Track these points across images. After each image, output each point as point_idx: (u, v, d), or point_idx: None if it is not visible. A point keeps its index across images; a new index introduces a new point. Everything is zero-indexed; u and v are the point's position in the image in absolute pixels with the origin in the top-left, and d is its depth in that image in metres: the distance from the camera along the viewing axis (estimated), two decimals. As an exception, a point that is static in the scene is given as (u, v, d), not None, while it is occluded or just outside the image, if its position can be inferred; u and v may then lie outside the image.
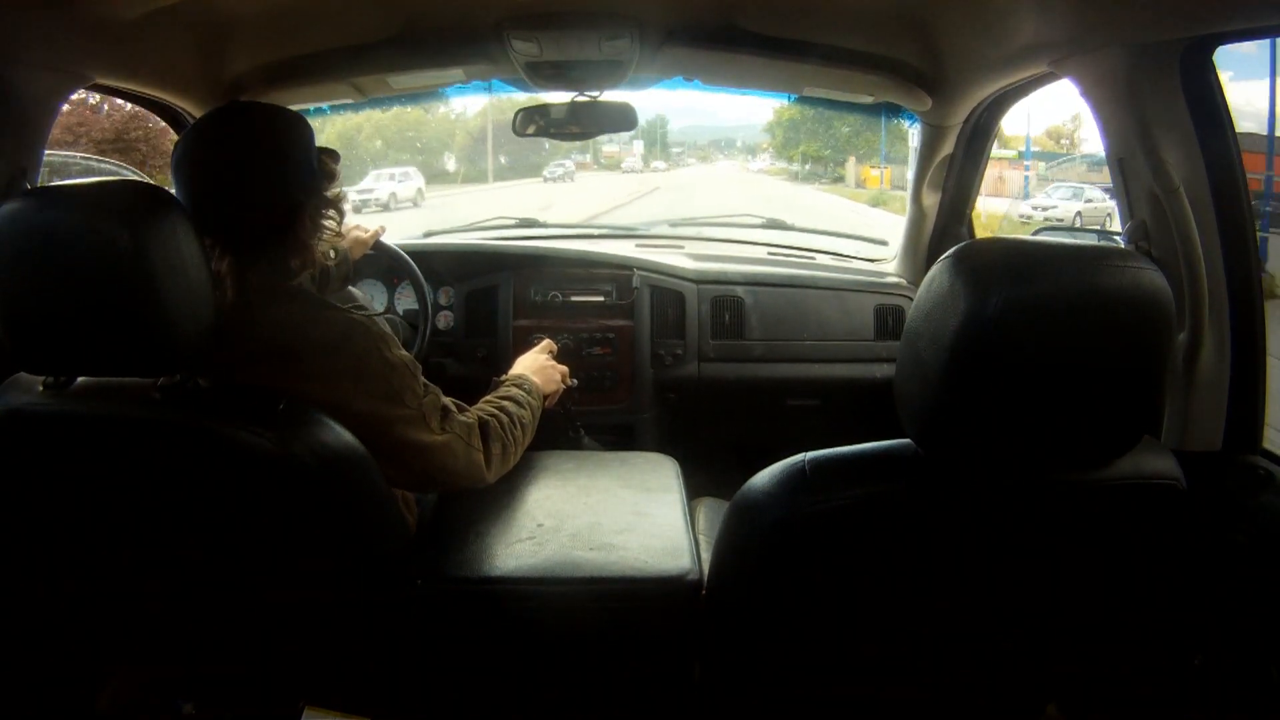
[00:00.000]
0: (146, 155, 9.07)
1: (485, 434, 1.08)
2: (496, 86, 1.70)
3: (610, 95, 1.62)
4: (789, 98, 1.84)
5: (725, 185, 17.42)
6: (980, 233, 1.87)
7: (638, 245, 2.07)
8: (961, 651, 0.91)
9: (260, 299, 0.95)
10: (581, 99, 1.61)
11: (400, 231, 1.97)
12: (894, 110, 1.68)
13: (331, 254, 1.40)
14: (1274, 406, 1.04)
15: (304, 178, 0.98)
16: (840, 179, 19.29)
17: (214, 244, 0.93)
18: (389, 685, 1.02)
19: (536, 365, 1.38)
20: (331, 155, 1.02)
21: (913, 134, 1.77)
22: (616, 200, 12.92)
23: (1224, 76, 0.97)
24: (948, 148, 1.67)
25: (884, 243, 2.15)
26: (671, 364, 1.80)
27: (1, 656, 1.02)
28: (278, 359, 0.92)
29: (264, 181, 0.95)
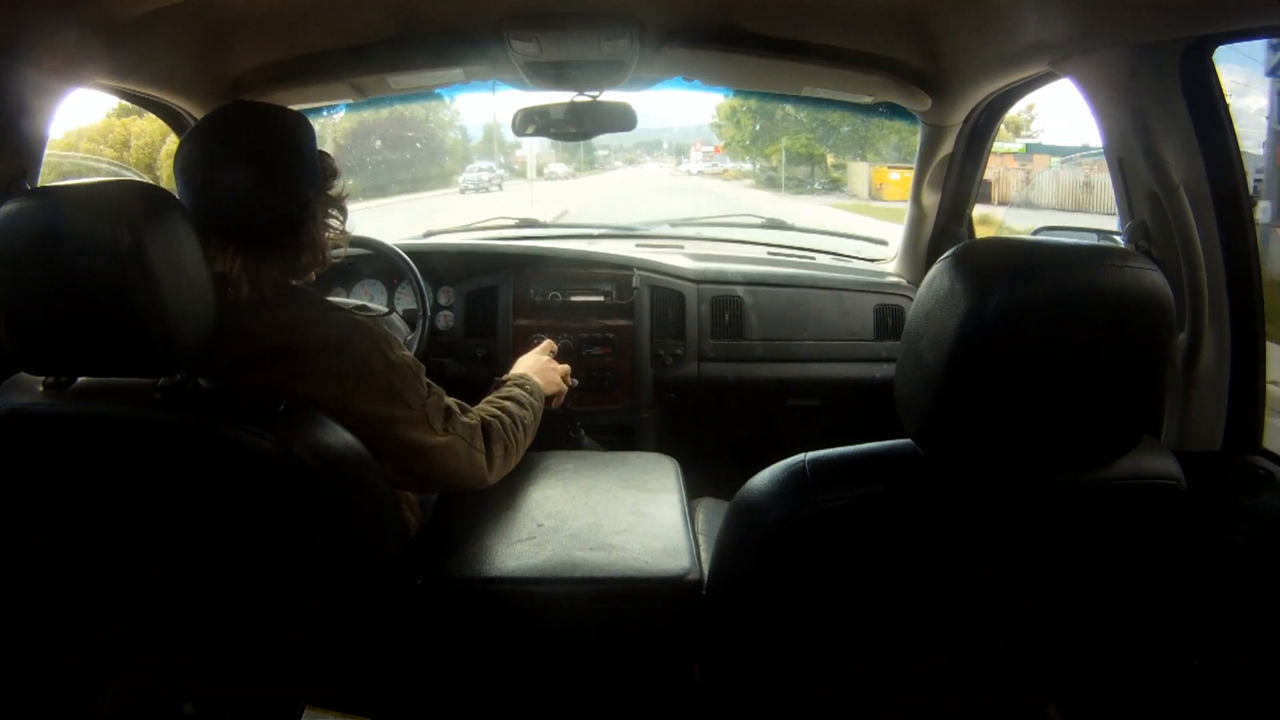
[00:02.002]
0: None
1: (487, 435, 1.08)
2: (496, 86, 1.70)
3: (610, 95, 1.62)
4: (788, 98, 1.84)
5: (674, 197, 12.94)
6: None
7: (637, 245, 2.07)
8: (962, 651, 0.91)
9: (269, 299, 0.95)
10: (581, 99, 1.61)
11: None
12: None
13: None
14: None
15: (311, 175, 0.98)
16: (837, 186, 15.30)
17: (224, 244, 0.93)
18: (389, 685, 1.02)
19: (538, 366, 1.38)
20: (328, 155, 1.03)
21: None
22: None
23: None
24: (947, 148, 1.67)
25: (884, 242, 2.15)
26: (671, 364, 1.80)
27: (2, 657, 1.02)
28: (279, 359, 0.92)
29: (274, 180, 0.96)
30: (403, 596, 0.98)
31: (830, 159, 15.93)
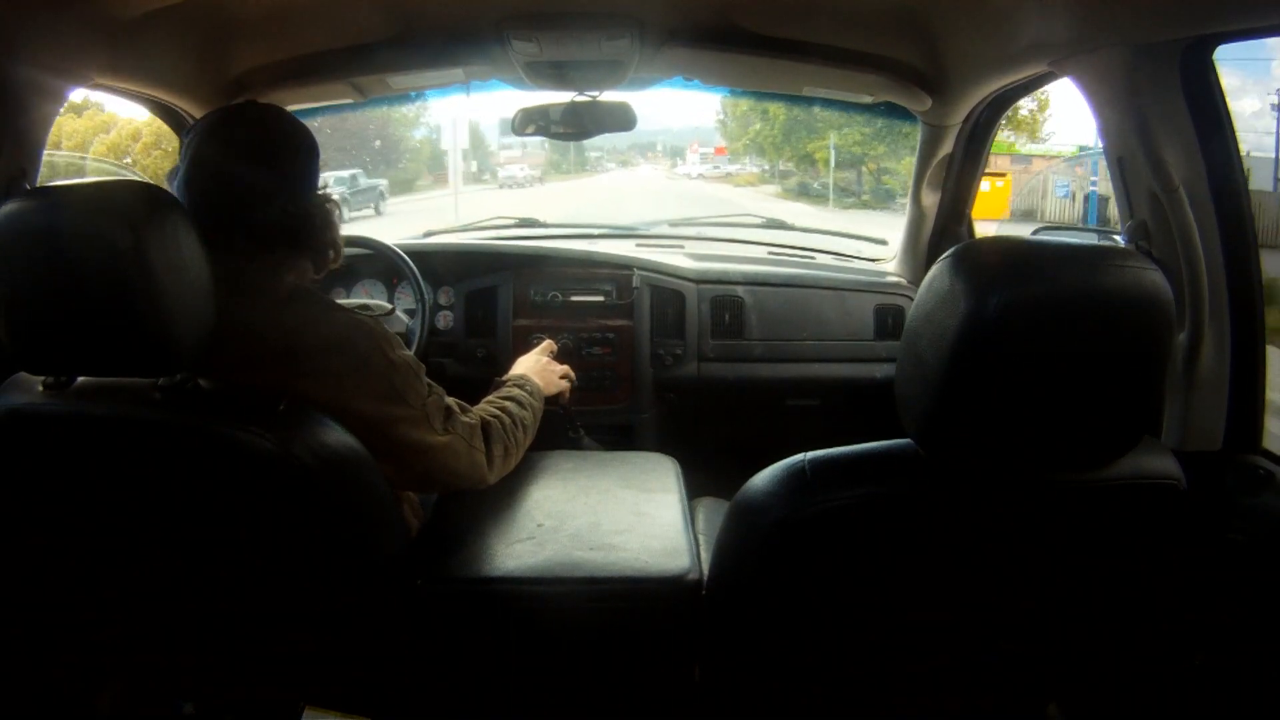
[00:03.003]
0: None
1: (488, 435, 1.08)
2: (496, 86, 1.70)
3: (610, 95, 1.62)
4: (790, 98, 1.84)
5: (677, 210, 9.08)
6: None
7: (638, 245, 2.07)
8: (962, 651, 0.91)
9: (270, 299, 0.96)
10: (581, 99, 1.61)
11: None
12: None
13: None
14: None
15: (313, 176, 0.99)
16: (891, 196, 11.43)
17: (234, 245, 0.93)
18: (389, 685, 1.02)
19: (537, 367, 1.38)
20: None
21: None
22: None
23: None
24: (947, 147, 1.67)
25: (884, 242, 2.15)
26: (671, 364, 1.80)
27: (2, 656, 1.02)
28: (280, 359, 0.92)
29: (282, 180, 0.96)
30: (403, 596, 0.98)
31: (871, 164, 12.10)
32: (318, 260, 1.02)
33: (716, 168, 18.40)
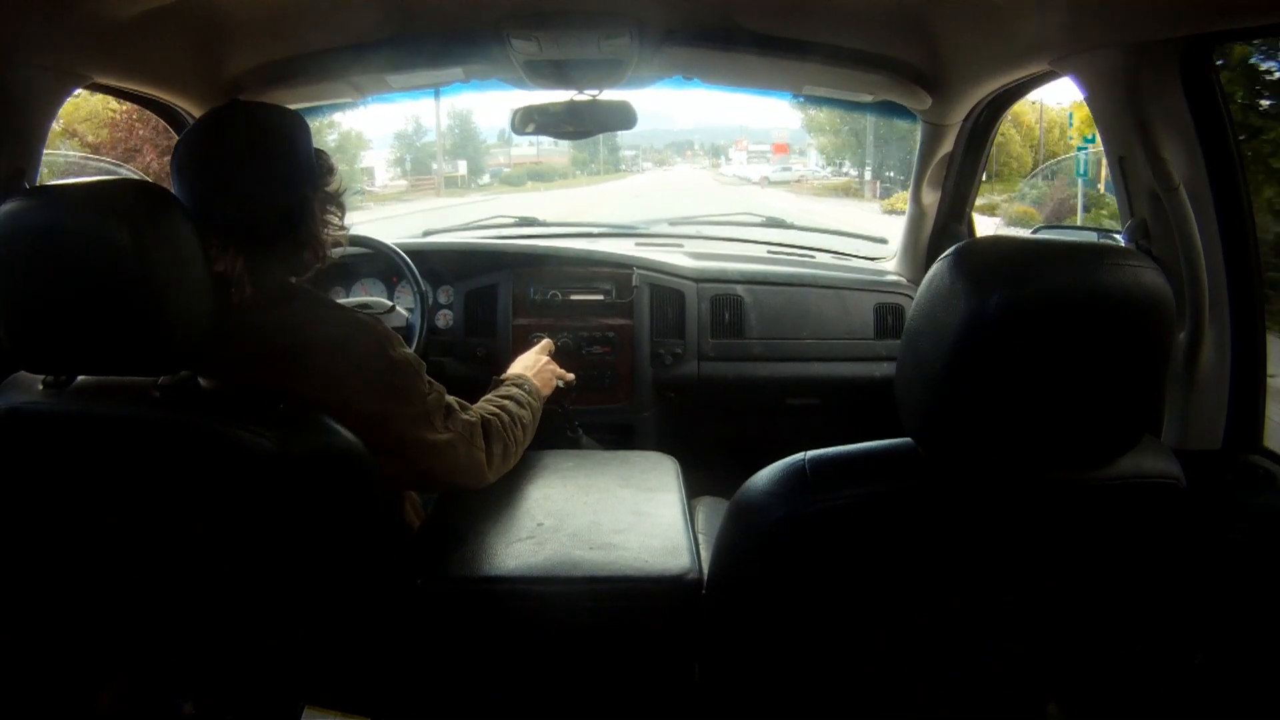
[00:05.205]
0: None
1: (487, 433, 1.08)
2: (497, 86, 1.70)
3: (610, 94, 1.62)
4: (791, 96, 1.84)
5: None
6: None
7: (637, 244, 2.07)
8: (962, 651, 0.91)
9: (270, 298, 0.95)
10: (581, 98, 1.61)
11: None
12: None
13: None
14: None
15: (308, 173, 0.98)
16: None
17: (224, 244, 0.93)
18: (389, 685, 1.02)
19: (535, 366, 1.38)
20: (324, 154, 1.03)
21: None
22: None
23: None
24: (947, 146, 1.68)
25: (884, 241, 2.15)
26: (671, 363, 1.80)
27: (2, 656, 1.02)
28: (281, 359, 0.92)
29: (272, 178, 0.96)
30: (403, 596, 0.98)
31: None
32: (314, 255, 1.01)
33: (787, 169, 14.77)
